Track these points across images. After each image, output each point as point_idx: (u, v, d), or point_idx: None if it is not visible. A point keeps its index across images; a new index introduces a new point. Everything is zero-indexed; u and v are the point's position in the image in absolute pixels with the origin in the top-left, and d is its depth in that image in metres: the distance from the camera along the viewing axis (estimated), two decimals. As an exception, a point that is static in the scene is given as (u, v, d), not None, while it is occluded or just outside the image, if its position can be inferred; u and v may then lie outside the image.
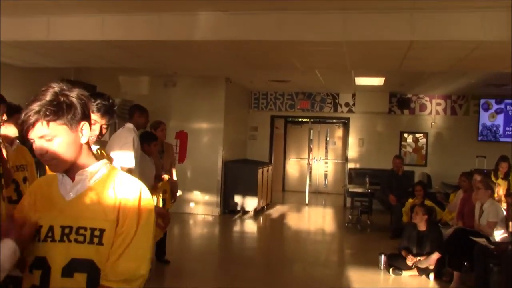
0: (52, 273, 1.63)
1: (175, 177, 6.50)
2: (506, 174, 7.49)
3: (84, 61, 7.50)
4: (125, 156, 4.53)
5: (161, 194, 5.77)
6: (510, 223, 5.81)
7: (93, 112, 2.59)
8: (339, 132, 14.22)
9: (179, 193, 6.72)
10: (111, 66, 7.96)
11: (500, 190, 6.86)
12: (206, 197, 10.35)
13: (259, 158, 12.09)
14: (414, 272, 6.26)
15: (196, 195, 10.38)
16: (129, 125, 4.93)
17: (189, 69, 9.20)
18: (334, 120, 13.40)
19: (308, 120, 13.28)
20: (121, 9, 5.28)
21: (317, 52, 6.09)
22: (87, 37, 5.59)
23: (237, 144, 11.85)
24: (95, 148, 2.81)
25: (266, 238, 9.43)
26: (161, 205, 5.68)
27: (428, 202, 7.62)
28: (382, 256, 6.46)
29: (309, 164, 13.19)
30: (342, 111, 12.36)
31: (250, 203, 10.36)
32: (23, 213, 1.73)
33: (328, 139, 14.37)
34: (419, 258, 6.22)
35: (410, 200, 8.23)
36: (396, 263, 6.35)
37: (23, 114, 1.62)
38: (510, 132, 11.32)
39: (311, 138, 13.32)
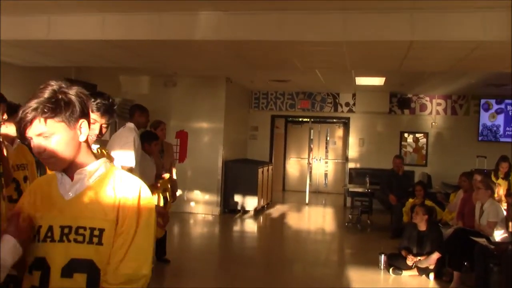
0: (52, 273, 1.61)
1: (174, 177, 6.51)
2: (507, 174, 7.49)
3: (85, 61, 7.50)
4: (125, 155, 4.53)
5: (161, 193, 5.77)
6: (510, 223, 5.81)
7: (92, 111, 2.58)
8: (340, 132, 14.22)
9: (178, 192, 6.73)
10: (111, 65, 7.97)
11: (501, 190, 6.85)
12: (207, 197, 10.36)
13: (259, 158, 12.09)
14: (414, 272, 6.26)
15: (197, 194, 10.39)
16: (130, 125, 4.95)
17: (189, 69, 9.20)
18: (334, 120, 13.40)
19: (308, 119, 13.29)
20: (122, 8, 5.28)
21: (317, 52, 6.09)
22: (87, 37, 5.59)
23: (238, 143, 11.85)
24: (95, 147, 2.81)
25: (266, 237, 9.43)
26: (162, 204, 5.69)
27: (428, 202, 7.62)
28: (382, 256, 6.46)
29: (309, 163, 13.20)
30: (342, 111, 12.37)
31: (250, 202, 10.36)
32: (22, 211, 1.70)
33: (328, 138, 14.37)
34: (419, 258, 6.22)
35: (411, 200, 8.23)
36: (396, 263, 6.35)
37: (21, 112, 1.60)
38: (511, 132, 11.31)
39: (312, 137, 13.33)
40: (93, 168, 1.69)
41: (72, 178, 1.68)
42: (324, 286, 6.05)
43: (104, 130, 2.71)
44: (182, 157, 10.44)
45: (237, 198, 10.42)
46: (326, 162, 14.42)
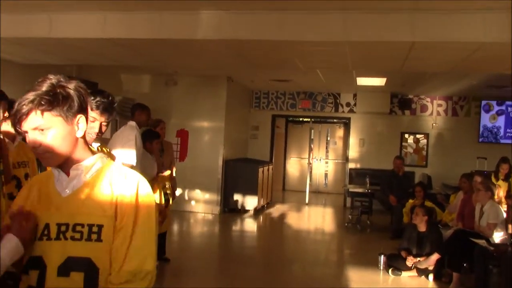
0: (48, 272, 1.57)
1: (174, 175, 6.52)
2: (507, 175, 7.49)
3: (86, 59, 7.51)
4: (127, 153, 4.56)
5: (162, 190, 5.77)
6: (510, 225, 5.81)
7: (92, 109, 2.58)
8: (340, 132, 14.22)
9: (178, 191, 6.74)
10: (112, 64, 7.98)
11: (501, 192, 6.85)
12: (207, 196, 10.36)
13: (259, 157, 12.09)
14: (414, 272, 6.26)
15: (197, 193, 10.39)
16: (132, 123, 4.98)
17: (190, 68, 9.20)
18: (335, 120, 13.39)
19: (309, 119, 13.29)
20: (123, 7, 5.29)
21: (318, 52, 6.09)
22: (88, 35, 5.60)
23: (238, 143, 11.86)
24: (96, 145, 2.82)
25: (266, 237, 9.43)
26: (163, 202, 5.70)
27: (428, 203, 7.62)
28: (382, 256, 6.46)
29: (309, 163, 13.20)
30: (343, 111, 12.36)
31: (250, 202, 10.36)
32: (26, 210, 1.66)
33: (329, 139, 14.37)
34: (418, 259, 6.22)
35: (411, 201, 8.23)
36: (395, 264, 6.35)
37: (17, 104, 1.55)
38: (511, 134, 11.31)
39: (312, 137, 13.34)
40: (89, 163, 1.65)
41: (68, 175, 1.64)
42: (323, 286, 6.05)
43: (104, 128, 2.71)
44: (183, 156, 10.45)
45: (237, 197, 10.43)
46: (327, 162, 14.42)
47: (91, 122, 2.62)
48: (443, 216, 7.78)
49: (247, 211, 10.41)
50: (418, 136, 11.99)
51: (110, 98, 2.72)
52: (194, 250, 7.78)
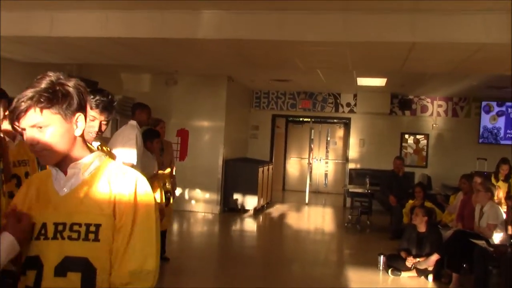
0: (45, 272, 1.54)
1: (174, 174, 6.53)
2: (507, 176, 7.49)
3: (86, 58, 7.52)
4: (127, 152, 4.56)
5: (162, 189, 5.77)
6: (509, 226, 5.82)
7: (92, 108, 2.58)
8: (340, 132, 14.22)
9: (178, 191, 6.74)
10: (113, 63, 7.98)
11: (500, 193, 6.85)
12: (207, 195, 10.37)
13: (259, 157, 12.09)
14: (413, 273, 6.26)
15: (197, 193, 10.39)
16: (133, 122, 5.00)
17: (190, 67, 9.21)
18: (335, 120, 13.39)
19: (309, 119, 13.29)
20: (124, 6, 5.29)
21: (318, 52, 6.09)
22: (89, 34, 5.60)
23: (238, 142, 11.86)
24: (96, 144, 2.82)
25: (266, 237, 9.44)
26: (164, 201, 5.70)
27: (428, 204, 7.62)
28: (381, 256, 6.47)
29: (309, 163, 13.20)
30: (343, 111, 12.36)
31: (250, 201, 10.37)
32: (18, 207, 1.65)
33: (329, 139, 14.37)
34: (418, 259, 6.22)
35: (410, 201, 8.22)
36: (395, 264, 6.35)
37: (15, 100, 1.52)
38: (511, 135, 11.31)
39: (312, 137, 13.33)
40: (87, 162, 1.63)
41: (66, 173, 1.61)
42: (323, 286, 6.05)
43: (103, 127, 2.71)
44: (183, 155, 10.45)
45: (237, 197, 10.43)
46: (327, 162, 14.42)
47: (91, 121, 2.62)
48: (443, 216, 7.78)
49: (247, 210, 10.41)
50: (418, 136, 12.00)
51: (109, 96, 2.72)
52: (194, 249, 7.79)
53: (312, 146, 13.46)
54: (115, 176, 1.63)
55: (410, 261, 6.22)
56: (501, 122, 11.38)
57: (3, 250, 1.53)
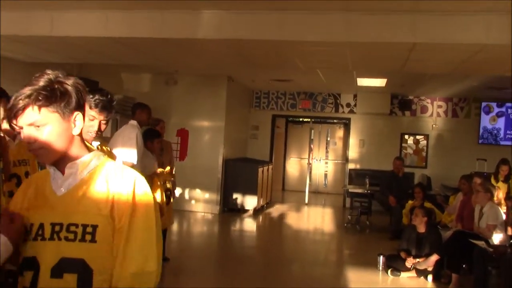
0: (41, 273, 1.52)
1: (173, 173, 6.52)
2: (506, 177, 7.49)
3: (87, 57, 7.52)
4: (127, 152, 4.57)
5: (162, 187, 5.76)
6: (509, 227, 5.82)
7: (91, 108, 2.57)
8: (340, 133, 14.23)
9: (178, 191, 6.74)
10: (113, 62, 7.98)
11: (500, 193, 6.86)
12: (206, 195, 10.37)
13: (259, 157, 12.10)
14: (413, 273, 6.26)
15: (197, 192, 10.39)
16: (133, 122, 5.01)
17: (190, 67, 9.21)
18: (335, 121, 13.40)
19: (309, 120, 13.29)
20: (124, 6, 5.30)
21: (318, 52, 6.10)
22: (90, 33, 5.61)
23: (238, 142, 11.86)
24: (96, 144, 2.82)
25: (266, 237, 9.44)
26: (164, 200, 5.69)
27: (427, 204, 7.63)
28: (381, 257, 6.47)
29: (309, 164, 13.20)
30: (343, 112, 12.37)
31: (250, 201, 10.37)
32: (16, 208, 1.63)
33: (329, 139, 14.38)
34: (418, 259, 6.22)
35: (410, 202, 8.23)
36: (394, 264, 6.36)
37: (13, 98, 1.50)
38: (511, 136, 11.31)
39: (312, 138, 13.34)
40: (85, 161, 1.61)
41: (63, 173, 1.59)
42: (322, 286, 6.05)
43: (103, 126, 2.71)
44: (183, 155, 10.45)
45: (237, 197, 10.43)
46: (326, 163, 14.42)
47: (90, 121, 2.62)
48: (443, 217, 7.78)
49: (247, 210, 10.41)
50: (418, 137, 12.00)
51: (108, 96, 2.72)
52: (194, 249, 7.79)
53: (312, 146, 13.46)
54: (113, 176, 1.61)
55: (409, 262, 6.23)
56: (501, 123, 11.38)
57: None
